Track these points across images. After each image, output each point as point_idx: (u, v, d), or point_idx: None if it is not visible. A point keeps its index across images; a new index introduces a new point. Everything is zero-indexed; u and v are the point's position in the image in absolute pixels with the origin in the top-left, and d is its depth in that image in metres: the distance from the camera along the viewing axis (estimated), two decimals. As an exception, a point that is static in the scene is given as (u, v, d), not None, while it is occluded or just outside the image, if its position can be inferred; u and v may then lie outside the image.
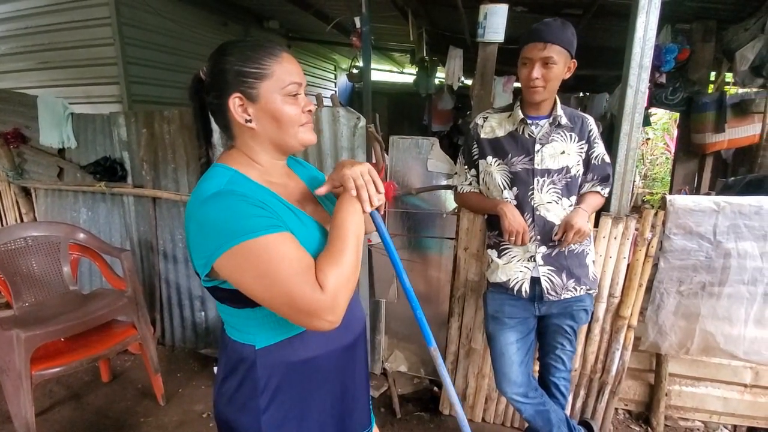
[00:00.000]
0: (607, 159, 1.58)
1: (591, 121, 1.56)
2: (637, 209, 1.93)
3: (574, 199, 1.54)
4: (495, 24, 2.28)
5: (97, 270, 2.44)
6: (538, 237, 1.52)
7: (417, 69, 5.26)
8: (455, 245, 2.05)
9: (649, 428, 2.12)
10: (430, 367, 2.46)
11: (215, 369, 2.53)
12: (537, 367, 1.81)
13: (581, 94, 6.13)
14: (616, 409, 2.17)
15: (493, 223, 1.60)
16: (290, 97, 0.85)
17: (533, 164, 1.50)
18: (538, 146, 1.50)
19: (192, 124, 0.87)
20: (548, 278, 1.53)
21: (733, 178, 2.64)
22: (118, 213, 2.85)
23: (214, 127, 0.92)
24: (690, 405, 2.13)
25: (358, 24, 2.95)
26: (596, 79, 5.70)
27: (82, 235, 2.33)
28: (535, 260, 1.53)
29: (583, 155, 1.53)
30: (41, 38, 3.52)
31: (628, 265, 1.84)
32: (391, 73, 8.31)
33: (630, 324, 1.89)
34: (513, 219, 1.47)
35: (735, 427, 2.12)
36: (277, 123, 0.85)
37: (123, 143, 2.68)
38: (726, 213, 1.74)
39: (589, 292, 1.60)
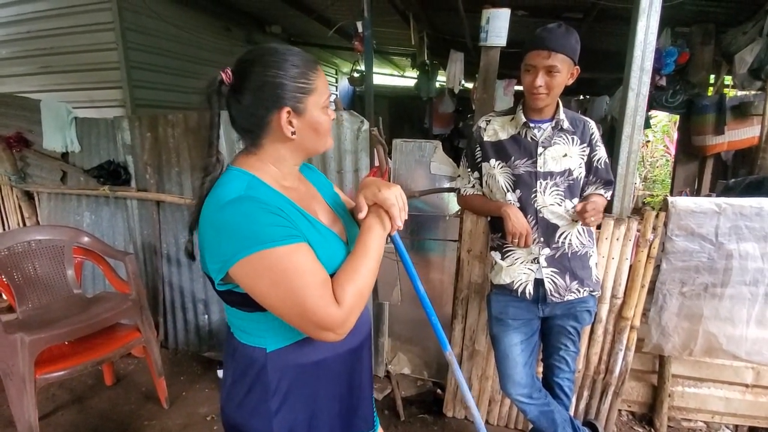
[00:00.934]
0: (608, 162, 1.59)
1: (593, 124, 1.57)
2: (638, 211, 1.94)
3: (576, 201, 1.54)
4: (498, 28, 2.30)
5: (101, 273, 2.45)
6: (542, 239, 1.52)
7: (418, 72, 5.29)
8: (458, 247, 2.06)
9: (652, 429, 2.12)
10: (433, 370, 2.46)
11: (219, 372, 2.56)
12: (540, 369, 1.82)
13: (582, 97, 6.16)
14: (620, 410, 2.17)
15: (497, 225, 1.61)
16: (325, 108, 0.88)
17: (536, 167, 1.51)
18: (540, 149, 1.51)
19: (207, 128, 0.86)
20: (552, 280, 1.53)
21: (733, 180, 2.65)
22: (121, 216, 2.85)
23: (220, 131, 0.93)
24: (693, 406, 2.13)
25: (360, 28, 2.97)
26: (597, 82, 5.73)
27: (86, 239, 2.33)
28: (538, 262, 1.54)
29: (585, 158, 1.54)
30: (44, 42, 3.53)
31: (631, 266, 1.85)
32: (392, 76, 8.34)
33: (633, 325, 1.89)
34: (516, 221, 1.48)
35: (736, 427, 2.12)
36: (316, 133, 0.87)
37: (127, 147, 2.70)
38: (727, 214, 1.75)
39: (593, 294, 1.61)
